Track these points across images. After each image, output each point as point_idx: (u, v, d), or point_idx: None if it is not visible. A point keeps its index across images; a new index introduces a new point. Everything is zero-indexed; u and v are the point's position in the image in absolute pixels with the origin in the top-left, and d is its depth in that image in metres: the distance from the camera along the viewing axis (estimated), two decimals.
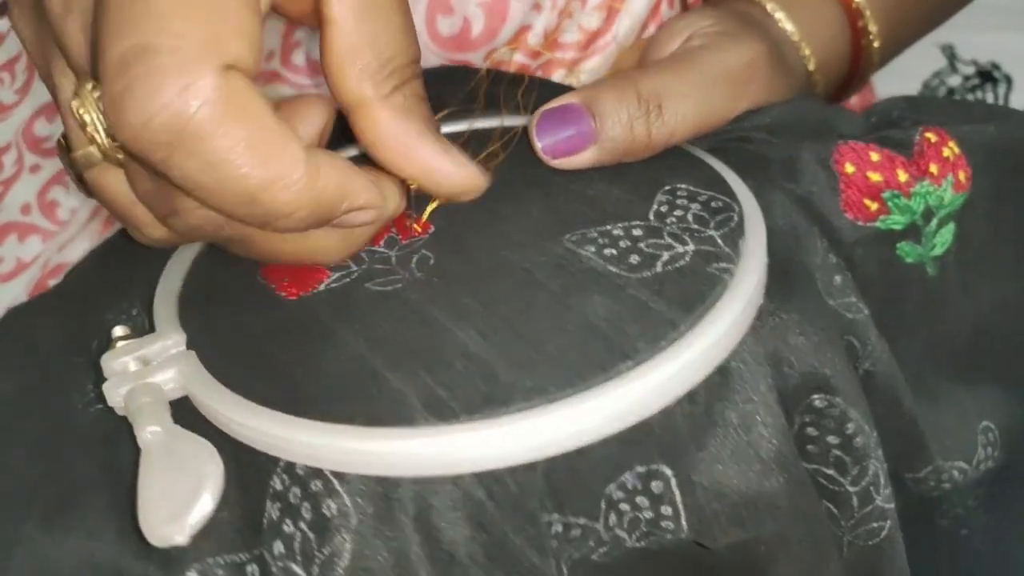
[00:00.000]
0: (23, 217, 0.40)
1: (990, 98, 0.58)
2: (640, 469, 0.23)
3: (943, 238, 0.29)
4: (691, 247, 0.25)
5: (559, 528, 0.23)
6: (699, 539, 0.24)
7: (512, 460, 0.22)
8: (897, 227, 0.29)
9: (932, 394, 0.32)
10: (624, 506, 0.23)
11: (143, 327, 0.29)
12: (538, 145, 0.29)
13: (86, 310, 0.31)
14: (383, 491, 0.22)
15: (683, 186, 0.28)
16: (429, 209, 0.28)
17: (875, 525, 0.27)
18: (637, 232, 0.26)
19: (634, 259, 0.25)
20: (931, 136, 0.29)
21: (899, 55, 0.44)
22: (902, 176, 0.28)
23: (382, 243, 0.28)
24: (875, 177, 0.28)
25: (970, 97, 0.59)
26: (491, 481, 0.22)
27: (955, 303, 0.31)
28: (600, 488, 0.23)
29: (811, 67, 0.36)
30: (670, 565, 0.25)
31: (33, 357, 0.31)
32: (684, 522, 0.23)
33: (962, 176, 0.29)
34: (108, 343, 0.27)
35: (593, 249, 0.26)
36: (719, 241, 0.26)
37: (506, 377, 0.22)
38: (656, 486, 0.23)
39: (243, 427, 0.23)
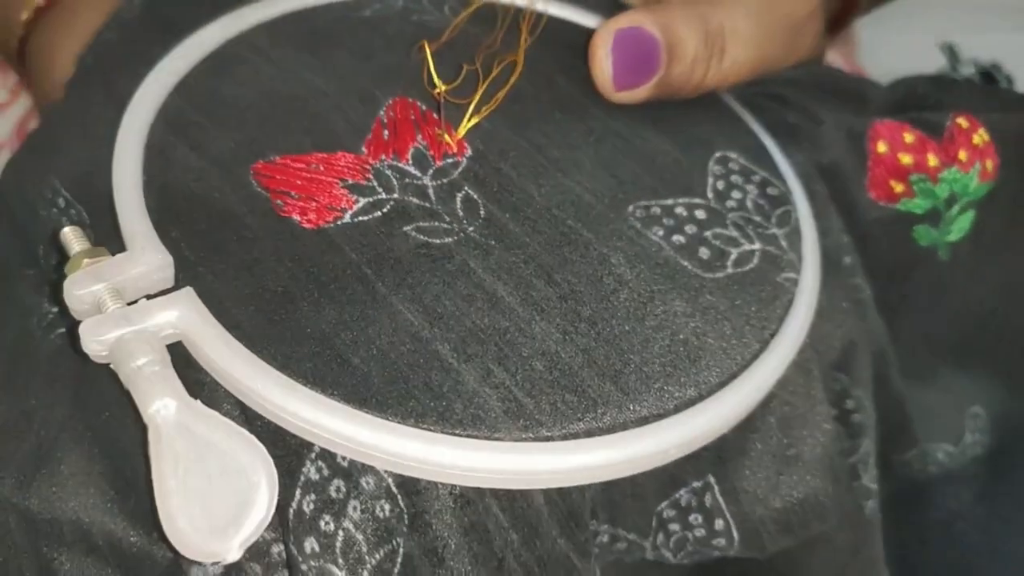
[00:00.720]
0: None
1: None
2: (696, 484, 0.23)
3: (961, 225, 0.30)
4: (758, 246, 0.25)
5: (605, 538, 0.23)
6: (748, 551, 0.23)
7: (592, 479, 0.21)
8: (918, 211, 0.29)
9: (923, 376, 0.32)
10: (674, 526, 0.23)
11: (77, 221, 0.24)
12: (607, 72, 0.27)
13: (15, 188, 0.26)
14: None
15: (733, 155, 0.27)
16: (466, 124, 0.25)
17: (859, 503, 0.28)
18: (700, 215, 0.25)
19: (703, 253, 0.24)
20: (962, 122, 0.29)
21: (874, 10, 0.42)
22: (932, 161, 0.28)
23: (410, 158, 0.25)
24: (906, 159, 0.28)
25: None
26: (555, 492, 0.21)
27: (962, 289, 0.31)
28: (653, 506, 0.22)
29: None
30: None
31: None
32: (735, 534, 0.23)
33: (989, 165, 0.29)
34: (60, 254, 0.22)
35: (661, 233, 0.25)
36: (783, 243, 0.25)
37: (595, 392, 0.21)
38: (708, 499, 0.23)
39: (282, 410, 0.20)
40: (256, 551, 0.20)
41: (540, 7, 0.30)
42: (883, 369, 0.28)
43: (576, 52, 0.29)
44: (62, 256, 0.22)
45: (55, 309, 0.24)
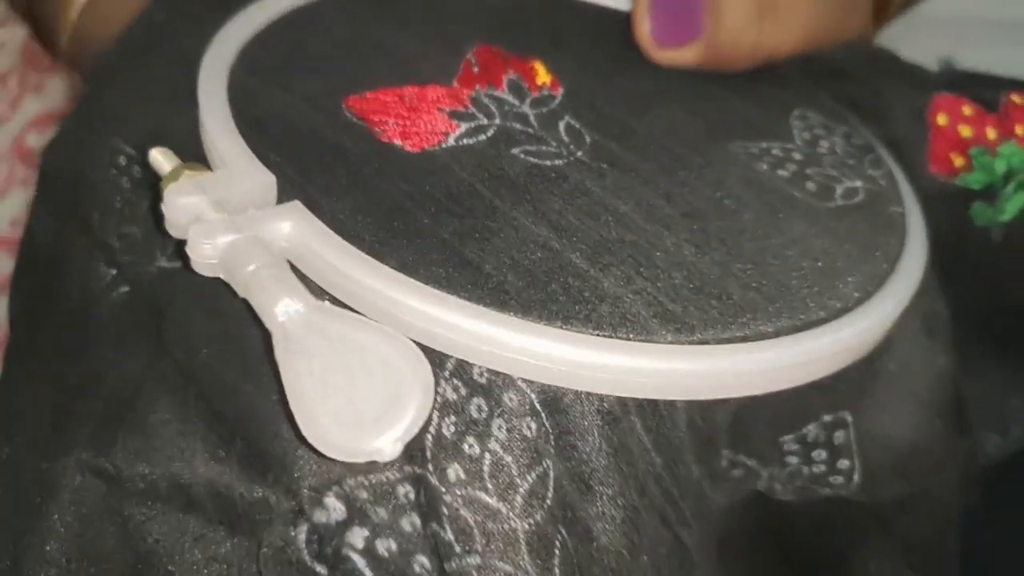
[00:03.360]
0: (12, 232, 0.38)
1: None
2: (827, 418, 0.22)
3: (1014, 204, 0.29)
4: (859, 183, 0.25)
5: (724, 463, 0.22)
6: (862, 495, 0.22)
7: (744, 391, 0.20)
8: (976, 186, 0.29)
9: (969, 363, 0.32)
10: (792, 459, 0.22)
11: (147, 180, 0.23)
12: (645, 27, 0.27)
13: (64, 162, 0.25)
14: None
15: (811, 113, 0.27)
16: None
17: None
18: (797, 156, 0.25)
19: (811, 186, 0.24)
20: (1016, 99, 0.29)
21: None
22: (991, 134, 0.28)
23: (505, 87, 0.25)
24: (965, 132, 0.28)
25: None
26: (697, 409, 0.20)
27: (1012, 274, 0.31)
28: (779, 435, 0.22)
29: None
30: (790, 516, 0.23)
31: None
32: (856, 475, 0.22)
33: None
34: (149, 170, 0.21)
35: (766, 167, 0.24)
36: (882, 182, 0.25)
37: (740, 300, 0.20)
38: (839, 436, 0.22)
39: (419, 316, 0.18)
40: (380, 493, 0.18)
41: None
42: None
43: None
44: (153, 178, 0.21)
45: (113, 271, 0.23)
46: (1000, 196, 0.29)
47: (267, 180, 0.21)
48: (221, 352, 0.20)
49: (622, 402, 0.19)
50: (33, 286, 0.25)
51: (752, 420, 0.21)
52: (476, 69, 0.25)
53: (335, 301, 0.19)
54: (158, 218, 0.21)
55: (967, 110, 0.28)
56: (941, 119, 0.28)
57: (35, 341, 0.24)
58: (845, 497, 0.23)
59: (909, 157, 0.28)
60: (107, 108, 0.26)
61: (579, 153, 0.23)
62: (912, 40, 0.52)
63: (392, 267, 0.19)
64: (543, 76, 0.25)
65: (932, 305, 0.25)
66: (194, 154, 0.23)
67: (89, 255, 0.23)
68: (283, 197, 0.21)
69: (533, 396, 0.19)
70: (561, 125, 0.24)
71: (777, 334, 0.20)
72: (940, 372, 0.24)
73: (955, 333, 0.29)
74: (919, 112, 0.28)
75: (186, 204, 0.19)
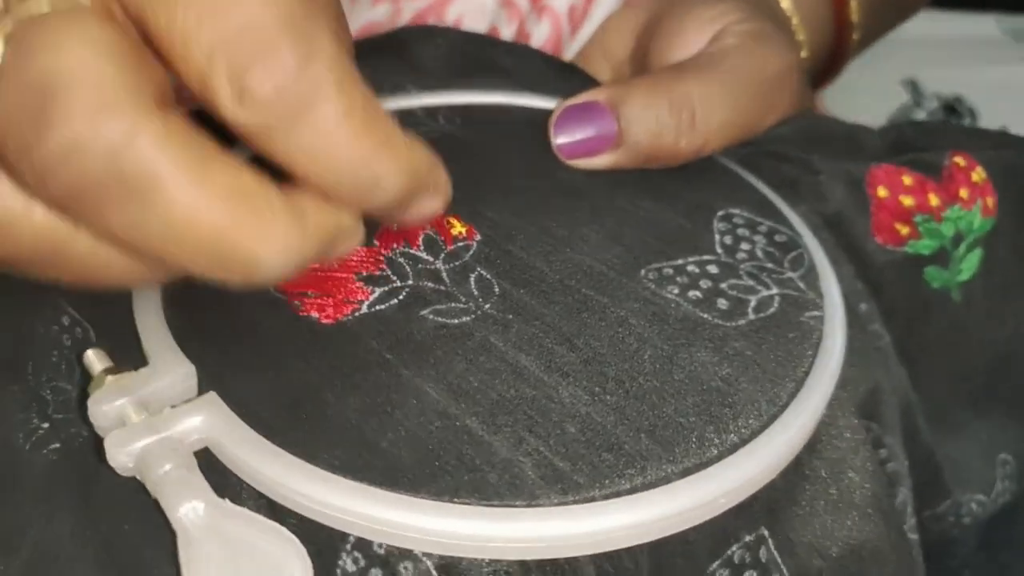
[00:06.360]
0: None
1: None
2: (749, 538, 0.22)
3: (970, 263, 0.29)
4: (776, 291, 0.25)
5: None
6: None
7: (641, 539, 0.20)
8: (926, 252, 0.28)
9: (950, 424, 0.31)
10: None
11: (87, 343, 0.24)
12: (555, 142, 0.28)
13: (7, 316, 0.26)
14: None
15: (736, 211, 0.27)
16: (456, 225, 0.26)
17: None
18: (712, 269, 0.25)
19: (722, 304, 0.24)
20: (960, 160, 0.28)
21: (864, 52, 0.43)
22: (934, 201, 0.27)
23: (420, 245, 0.25)
24: (907, 201, 0.27)
25: None
26: (605, 557, 0.20)
27: (978, 331, 0.30)
28: (706, 565, 0.21)
29: (804, 54, 0.35)
30: None
31: None
32: None
33: (990, 201, 0.28)
34: (85, 375, 0.22)
35: (676, 291, 0.24)
36: (800, 285, 0.25)
37: (632, 448, 0.20)
38: (763, 553, 0.22)
39: (312, 501, 0.19)
40: None
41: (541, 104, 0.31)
42: (910, 419, 0.27)
43: None
44: (84, 377, 0.23)
45: (45, 425, 0.23)
46: (953, 258, 0.28)
47: (187, 371, 0.22)
48: (143, 528, 0.21)
49: (521, 561, 0.20)
50: None
51: (668, 557, 0.21)
52: (395, 226, 0.26)
53: (247, 485, 0.21)
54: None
55: (907, 180, 0.28)
56: (882, 191, 0.27)
57: None
58: None
59: (854, 230, 0.28)
60: None
61: (487, 306, 0.24)
62: (877, 61, 0.52)
63: (295, 453, 0.20)
64: (458, 227, 0.26)
65: (876, 385, 0.25)
66: (129, 322, 0.24)
67: (20, 403, 0.24)
68: (202, 382, 0.22)
69: (430, 564, 0.19)
70: (472, 278, 0.25)
71: (668, 480, 0.20)
72: (868, 463, 0.23)
73: (929, 397, 0.29)
74: (858, 184, 0.28)
75: (108, 411, 0.21)
